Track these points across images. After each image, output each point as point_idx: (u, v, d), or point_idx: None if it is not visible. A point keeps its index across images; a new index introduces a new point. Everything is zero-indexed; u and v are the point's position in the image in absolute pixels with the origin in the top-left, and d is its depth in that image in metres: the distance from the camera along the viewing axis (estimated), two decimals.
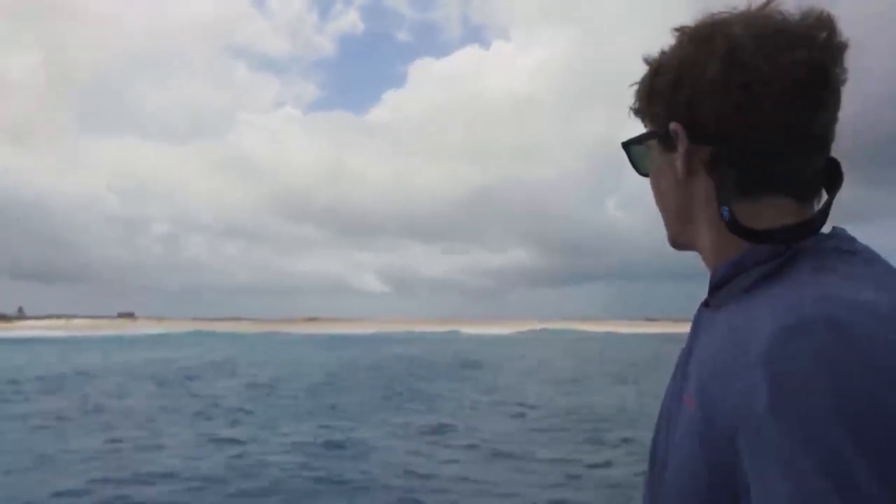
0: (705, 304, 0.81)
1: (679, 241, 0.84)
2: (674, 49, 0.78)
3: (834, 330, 0.59)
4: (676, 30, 0.78)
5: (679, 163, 0.77)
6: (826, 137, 0.74)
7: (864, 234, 0.74)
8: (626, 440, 11.94)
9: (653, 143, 0.82)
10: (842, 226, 0.75)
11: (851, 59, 0.72)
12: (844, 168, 0.76)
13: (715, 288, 0.77)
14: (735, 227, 0.73)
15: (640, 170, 0.87)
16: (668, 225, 0.85)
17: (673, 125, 0.76)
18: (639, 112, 0.84)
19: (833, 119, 0.74)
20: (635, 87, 0.83)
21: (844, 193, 0.75)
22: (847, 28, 0.73)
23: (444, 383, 23.47)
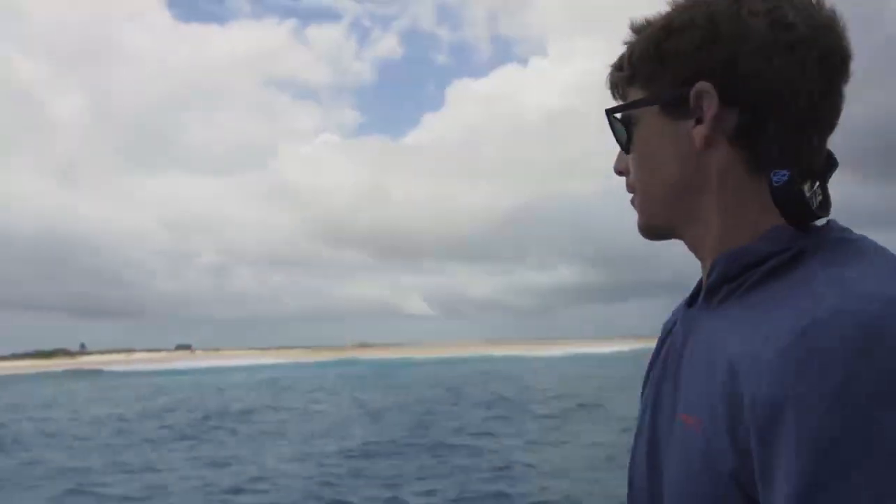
0: (689, 303, 0.75)
1: (661, 225, 0.75)
2: (691, 6, 0.70)
3: (865, 326, 0.55)
4: None
5: (703, 128, 0.68)
6: (837, 120, 0.69)
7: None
8: None
9: (649, 111, 0.73)
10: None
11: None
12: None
13: (715, 285, 0.69)
14: (788, 194, 0.65)
15: (624, 143, 0.77)
16: (651, 205, 0.75)
17: (702, 85, 0.67)
18: (628, 79, 0.75)
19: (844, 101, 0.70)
20: (626, 49, 0.75)
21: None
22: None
23: None
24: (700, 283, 0.76)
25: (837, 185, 0.74)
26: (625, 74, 0.75)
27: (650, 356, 0.85)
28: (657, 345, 0.81)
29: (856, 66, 0.69)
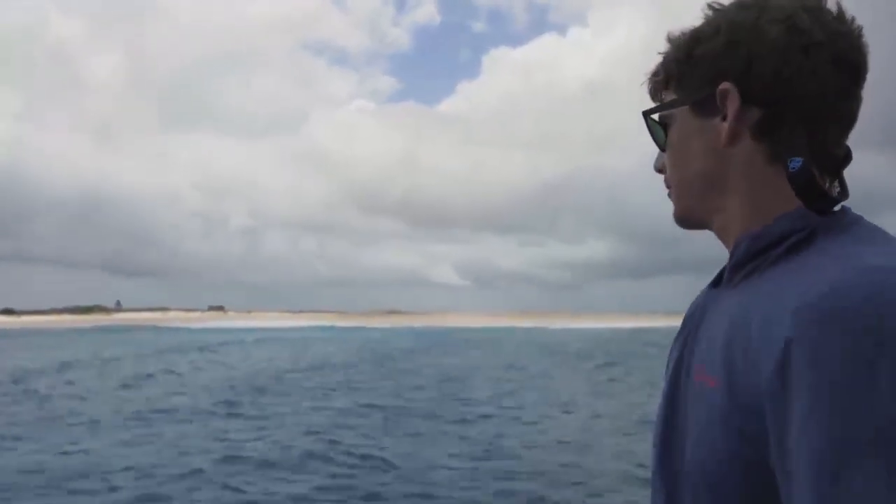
0: (714, 284, 0.83)
1: (693, 216, 0.84)
2: (718, 18, 0.78)
3: (874, 296, 0.61)
4: (711, 6, 0.79)
5: (727, 124, 0.76)
6: (856, 117, 0.77)
7: None
8: None
9: (681, 112, 0.81)
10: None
11: None
12: None
13: (739, 263, 0.76)
14: (803, 178, 0.72)
15: (661, 142, 0.86)
16: (684, 198, 0.83)
17: (724, 85, 0.76)
18: (664, 82, 0.84)
19: (861, 100, 0.77)
20: (661, 58, 0.83)
21: None
22: None
23: None
24: (724, 268, 0.83)
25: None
26: (660, 79, 0.85)
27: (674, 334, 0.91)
28: (683, 322, 0.88)
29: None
